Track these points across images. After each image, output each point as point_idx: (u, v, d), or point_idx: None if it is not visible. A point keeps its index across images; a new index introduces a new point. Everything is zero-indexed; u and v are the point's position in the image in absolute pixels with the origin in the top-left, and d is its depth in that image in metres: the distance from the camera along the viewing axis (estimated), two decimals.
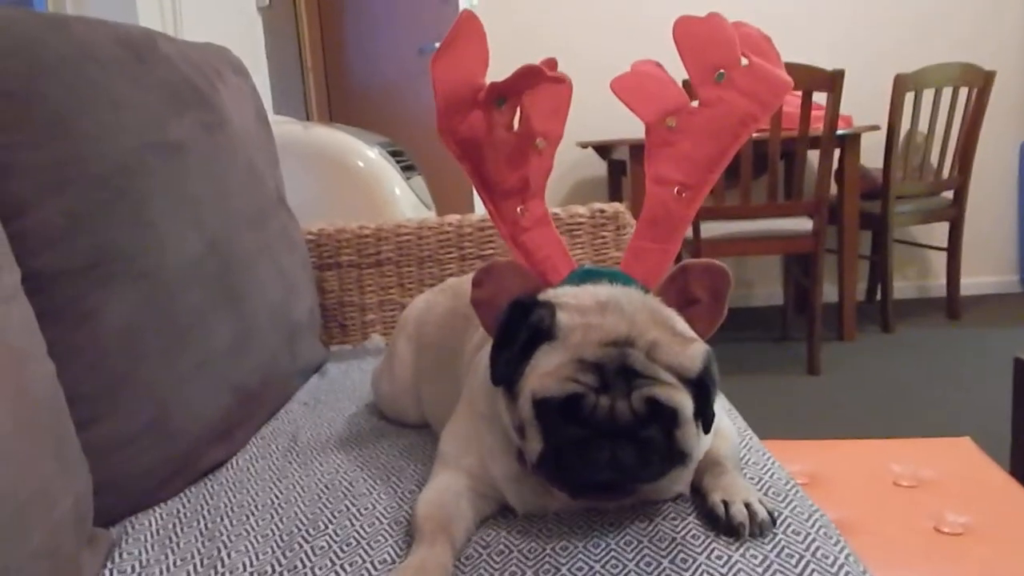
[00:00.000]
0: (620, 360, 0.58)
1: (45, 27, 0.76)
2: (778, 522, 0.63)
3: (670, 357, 0.59)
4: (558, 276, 0.70)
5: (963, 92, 2.80)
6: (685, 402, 0.59)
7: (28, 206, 0.70)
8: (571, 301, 0.62)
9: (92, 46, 0.80)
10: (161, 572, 0.66)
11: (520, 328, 0.60)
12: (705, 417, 0.61)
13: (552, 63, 0.72)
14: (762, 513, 0.61)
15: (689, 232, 2.46)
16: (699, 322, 0.67)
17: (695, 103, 0.72)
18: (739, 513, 0.61)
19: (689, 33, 0.73)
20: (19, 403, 0.58)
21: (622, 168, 2.99)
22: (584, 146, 3.01)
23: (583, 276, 0.69)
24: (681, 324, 0.64)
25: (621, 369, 0.58)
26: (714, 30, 0.73)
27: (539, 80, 0.69)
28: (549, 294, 0.65)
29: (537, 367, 0.60)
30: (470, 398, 0.73)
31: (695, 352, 0.60)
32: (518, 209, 0.71)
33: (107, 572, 0.67)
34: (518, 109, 0.71)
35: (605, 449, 0.58)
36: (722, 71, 0.72)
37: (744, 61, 0.73)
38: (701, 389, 0.60)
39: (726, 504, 0.62)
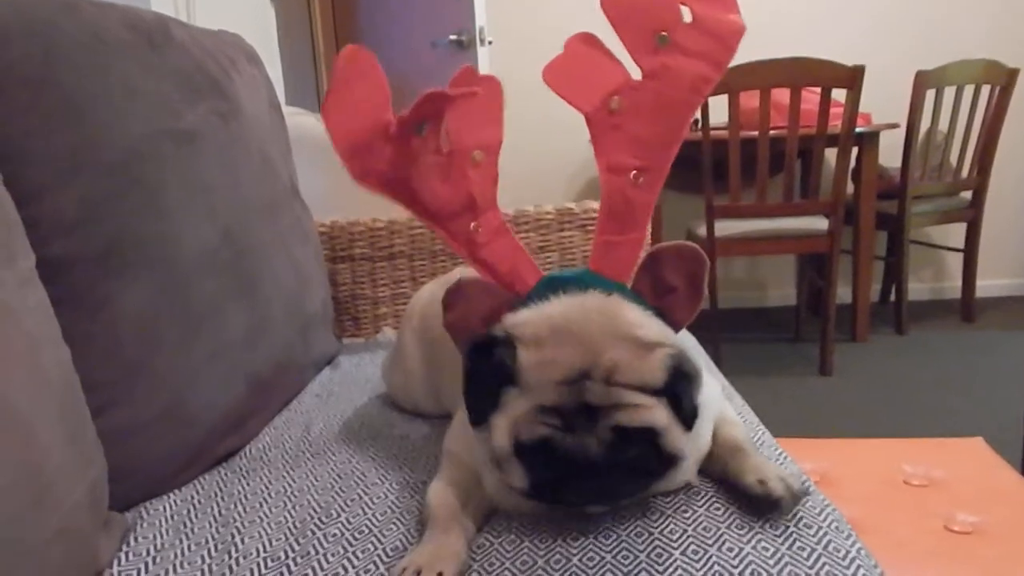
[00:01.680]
0: (577, 398, 0.57)
1: (56, 10, 0.76)
2: (790, 515, 0.63)
3: (631, 376, 0.58)
4: (525, 286, 0.68)
5: (985, 90, 2.76)
6: (656, 415, 0.58)
7: (43, 192, 0.71)
8: (528, 332, 0.60)
9: (104, 30, 0.80)
10: (176, 556, 0.67)
11: (484, 372, 0.60)
12: (685, 417, 0.60)
13: (467, 72, 0.68)
14: (796, 484, 0.62)
15: (703, 230, 2.45)
16: (678, 310, 0.66)
17: (638, 77, 0.67)
18: (777, 488, 0.62)
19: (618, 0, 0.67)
20: (35, 387, 0.58)
21: None
22: None
23: (548, 285, 0.66)
24: (646, 326, 0.61)
25: (580, 407, 0.58)
26: None
27: (446, 102, 0.64)
28: (508, 323, 0.62)
29: (507, 410, 0.59)
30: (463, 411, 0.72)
31: (656, 362, 0.59)
32: (471, 226, 0.68)
33: (123, 555, 0.67)
34: (443, 130, 0.67)
35: (586, 480, 0.58)
36: (663, 33, 0.65)
37: (687, 15, 0.66)
38: (673, 395, 0.59)
39: (762, 483, 0.63)
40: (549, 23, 3.12)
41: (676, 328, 0.66)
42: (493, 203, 0.70)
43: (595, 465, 0.58)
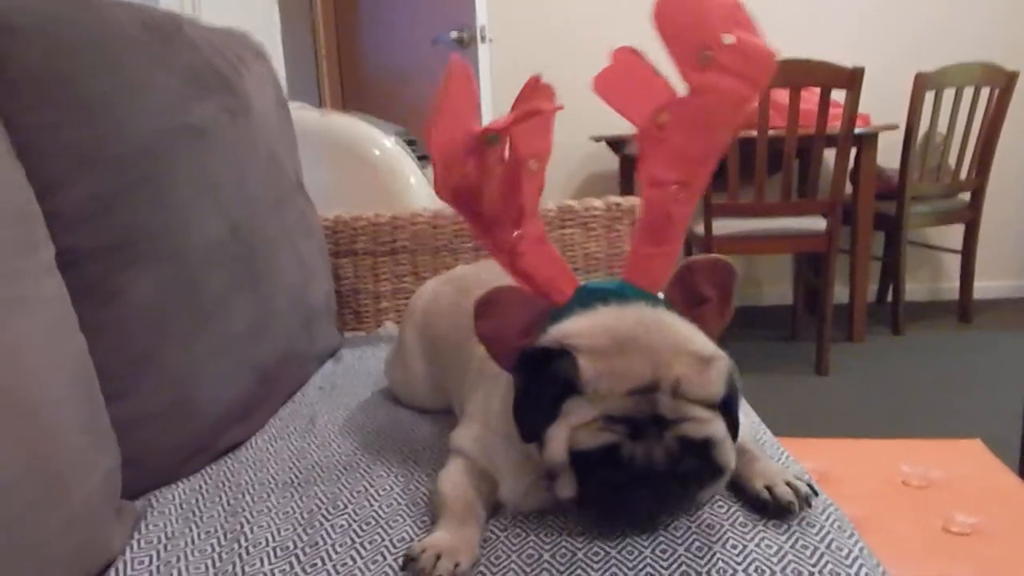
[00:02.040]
0: (649, 410, 0.59)
1: (71, 7, 0.77)
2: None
3: (696, 390, 0.59)
4: (563, 296, 0.68)
5: (984, 92, 2.77)
6: (716, 427, 0.60)
7: (57, 186, 0.72)
8: (587, 343, 0.60)
9: (117, 27, 0.81)
10: (186, 544, 0.68)
11: (543, 383, 0.60)
12: (735, 429, 0.62)
13: (533, 82, 0.68)
14: (803, 488, 0.64)
15: (701, 228, 2.46)
16: (709, 321, 0.67)
17: (683, 93, 0.68)
18: (785, 494, 0.63)
19: (669, 14, 0.68)
20: (53, 375, 0.59)
21: (634, 163, 2.98)
22: (597, 140, 3.00)
23: (589, 296, 0.66)
24: (698, 339, 0.63)
25: (651, 418, 0.59)
26: (694, 9, 0.68)
27: (533, 116, 0.65)
28: (561, 332, 0.62)
29: (568, 419, 0.59)
30: (484, 415, 0.72)
31: (717, 375, 0.60)
32: (515, 234, 0.68)
33: (134, 543, 0.68)
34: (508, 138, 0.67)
35: (644, 491, 0.59)
36: (707, 53, 0.67)
37: (728, 38, 0.68)
38: (728, 407, 0.61)
39: (770, 489, 0.64)
40: (549, 22, 3.12)
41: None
42: (535, 212, 0.70)
43: (657, 474, 0.59)
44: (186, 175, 0.84)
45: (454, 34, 2.36)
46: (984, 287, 3.25)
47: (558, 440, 0.59)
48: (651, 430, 0.59)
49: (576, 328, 0.62)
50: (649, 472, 0.59)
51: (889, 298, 3.13)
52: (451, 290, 0.98)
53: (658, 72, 0.70)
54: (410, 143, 1.83)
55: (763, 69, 0.68)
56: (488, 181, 0.66)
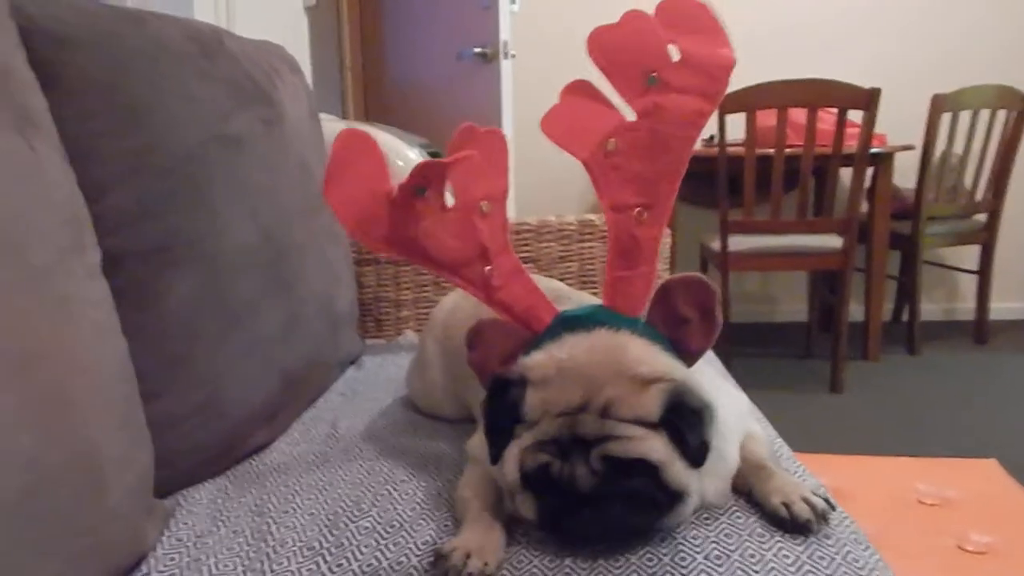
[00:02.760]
0: (570, 430, 0.61)
1: (124, 21, 0.81)
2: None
3: (626, 410, 0.60)
4: (541, 325, 0.70)
5: (1000, 115, 2.77)
6: (651, 448, 0.60)
7: (105, 191, 0.75)
8: (538, 373, 0.63)
9: (166, 40, 0.85)
10: (215, 542, 0.70)
11: (499, 411, 0.64)
12: (688, 452, 0.60)
13: (467, 130, 0.70)
14: (820, 504, 0.65)
15: (717, 244, 2.47)
16: (693, 340, 0.67)
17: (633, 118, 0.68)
18: (803, 511, 0.64)
19: (604, 45, 0.69)
20: (98, 374, 0.62)
21: None
22: None
23: (561, 324, 0.69)
24: (648, 362, 0.63)
25: (573, 438, 0.61)
26: (631, 34, 0.68)
27: (443, 169, 0.67)
28: (522, 364, 0.66)
29: (518, 442, 0.63)
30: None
31: (652, 396, 0.60)
32: (486, 270, 0.70)
33: (165, 539, 0.70)
34: (447, 186, 0.68)
35: (588, 509, 0.60)
36: (653, 75, 0.67)
37: (675, 55, 0.68)
38: (672, 428, 0.60)
39: (787, 506, 0.65)
40: (571, 39, 3.16)
41: (693, 357, 0.68)
42: (505, 247, 0.71)
43: (590, 493, 0.60)
44: (223, 182, 0.87)
45: (477, 49, 2.40)
46: (1000, 308, 3.24)
47: (510, 462, 0.63)
48: (577, 450, 0.60)
49: (536, 360, 0.65)
50: (580, 491, 0.60)
51: (904, 317, 3.12)
52: (470, 304, 1.00)
53: (606, 102, 0.70)
54: (433, 155, 1.86)
55: (716, 79, 0.67)
56: (424, 229, 0.67)
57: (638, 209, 0.68)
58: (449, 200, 0.69)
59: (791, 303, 3.46)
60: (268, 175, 0.97)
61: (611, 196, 0.69)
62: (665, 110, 0.67)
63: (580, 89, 0.71)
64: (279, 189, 0.99)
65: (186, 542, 0.70)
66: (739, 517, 0.67)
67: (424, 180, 0.66)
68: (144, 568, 0.66)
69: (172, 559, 0.67)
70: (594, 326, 0.66)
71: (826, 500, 0.66)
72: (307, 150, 1.12)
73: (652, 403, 0.60)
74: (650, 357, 0.64)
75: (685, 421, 0.60)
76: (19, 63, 0.66)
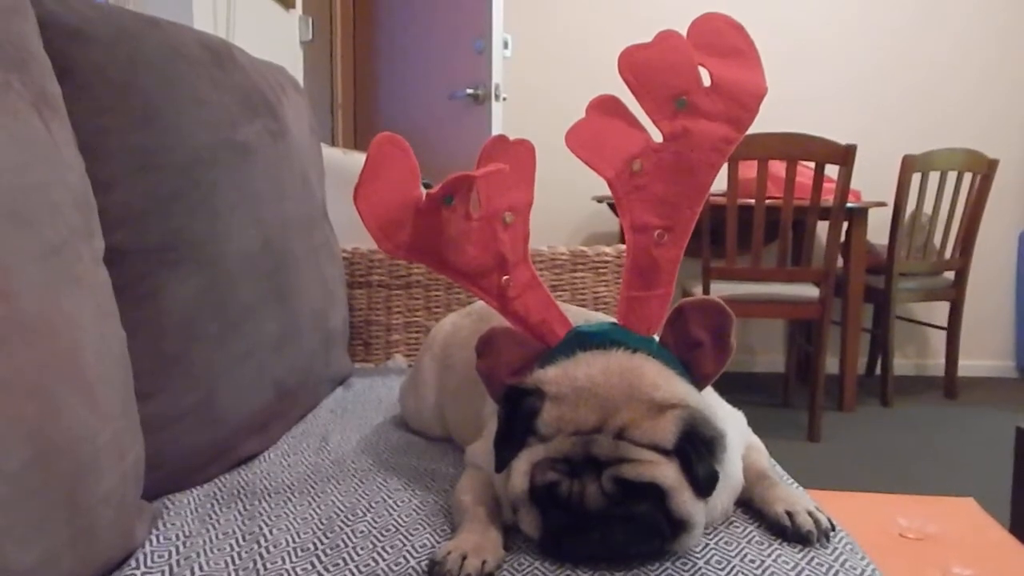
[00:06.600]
0: (584, 450, 0.60)
1: (142, 23, 0.83)
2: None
3: (642, 435, 0.60)
4: (555, 338, 0.70)
5: (967, 177, 2.90)
6: (663, 474, 0.59)
7: (113, 185, 0.75)
8: (553, 389, 0.63)
9: (181, 46, 0.86)
10: (204, 543, 0.68)
11: (515, 419, 0.63)
12: (696, 482, 0.60)
13: (499, 140, 0.71)
14: (824, 520, 0.65)
15: (699, 290, 2.52)
16: (705, 364, 0.67)
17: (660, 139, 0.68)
18: (806, 523, 0.65)
19: (636, 64, 0.68)
20: (100, 357, 0.61)
21: None
22: (600, 200, 3.10)
23: (573, 341, 0.68)
24: (664, 388, 0.62)
25: (586, 458, 0.60)
26: (664, 54, 0.68)
27: (472, 181, 0.67)
28: (538, 378, 0.65)
29: (528, 456, 0.62)
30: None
31: (668, 422, 0.60)
32: (503, 280, 0.70)
33: (153, 538, 0.68)
34: (474, 195, 0.69)
35: (594, 530, 0.60)
36: (683, 98, 0.67)
37: (707, 79, 0.68)
38: (684, 456, 0.60)
39: (790, 515, 0.65)
40: (560, 84, 3.27)
41: (704, 381, 0.68)
42: (524, 259, 0.71)
43: (597, 514, 0.59)
44: (229, 187, 0.88)
45: (469, 90, 2.46)
46: (969, 365, 3.31)
47: (518, 473, 0.62)
48: (589, 470, 0.60)
49: (549, 375, 0.65)
50: (589, 511, 0.59)
51: (878, 371, 3.18)
52: (471, 322, 1.01)
53: (634, 122, 0.70)
54: (426, 186, 1.89)
55: (746, 107, 0.67)
56: (446, 238, 0.68)
57: (659, 231, 0.69)
58: (474, 210, 0.69)
59: (769, 354, 3.51)
60: (272, 185, 0.98)
61: (633, 216, 0.70)
62: (693, 135, 0.68)
63: (607, 106, 0.71)
64: (282, 200, 1.00)
65: (175, 541, 0.68)
66: (738, 527, 0.68)
67: (453, 190, 0.67)
68: (133, 563, 0.64)
69: (161, 556, 0.65)
70: (609, 345, 0.66)
71: (828, 520, 0.66)
72: (308, 166, 1.13)
73: (667, 429, 0.60)
74: (665, 382, 0.63)
75: (697, 451, 0.60)
76: (38, 48, 0.67)
